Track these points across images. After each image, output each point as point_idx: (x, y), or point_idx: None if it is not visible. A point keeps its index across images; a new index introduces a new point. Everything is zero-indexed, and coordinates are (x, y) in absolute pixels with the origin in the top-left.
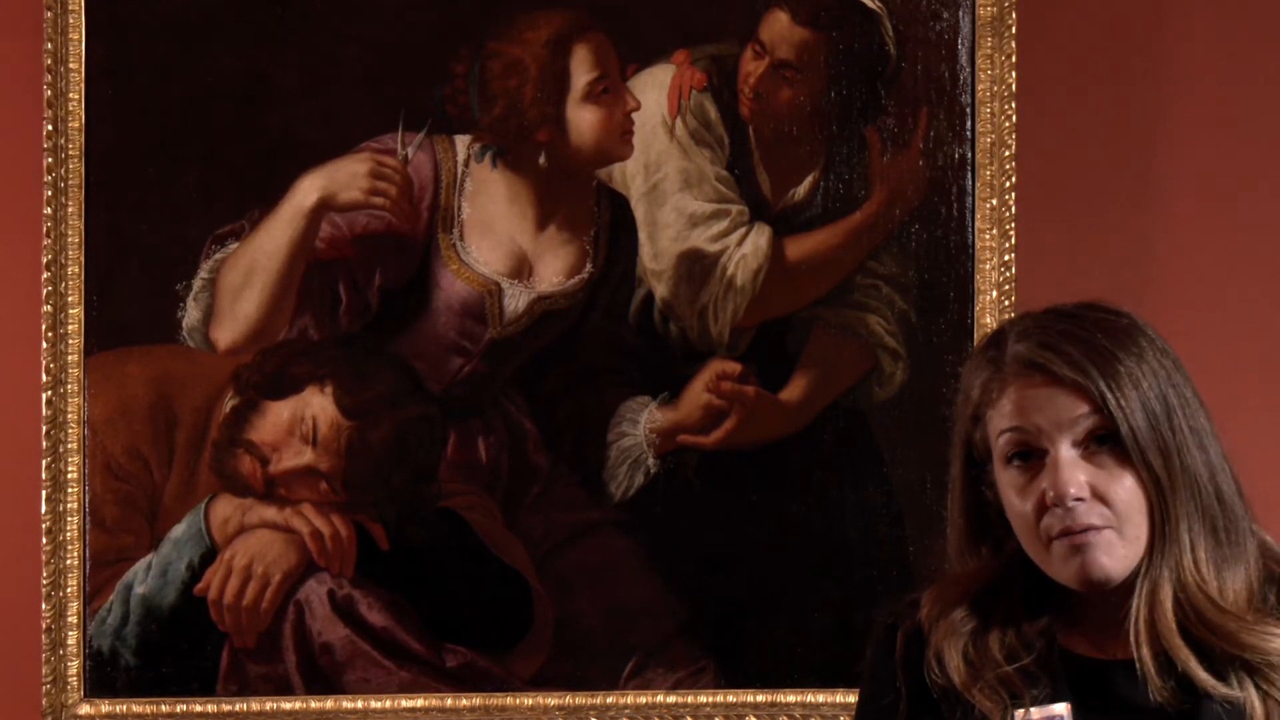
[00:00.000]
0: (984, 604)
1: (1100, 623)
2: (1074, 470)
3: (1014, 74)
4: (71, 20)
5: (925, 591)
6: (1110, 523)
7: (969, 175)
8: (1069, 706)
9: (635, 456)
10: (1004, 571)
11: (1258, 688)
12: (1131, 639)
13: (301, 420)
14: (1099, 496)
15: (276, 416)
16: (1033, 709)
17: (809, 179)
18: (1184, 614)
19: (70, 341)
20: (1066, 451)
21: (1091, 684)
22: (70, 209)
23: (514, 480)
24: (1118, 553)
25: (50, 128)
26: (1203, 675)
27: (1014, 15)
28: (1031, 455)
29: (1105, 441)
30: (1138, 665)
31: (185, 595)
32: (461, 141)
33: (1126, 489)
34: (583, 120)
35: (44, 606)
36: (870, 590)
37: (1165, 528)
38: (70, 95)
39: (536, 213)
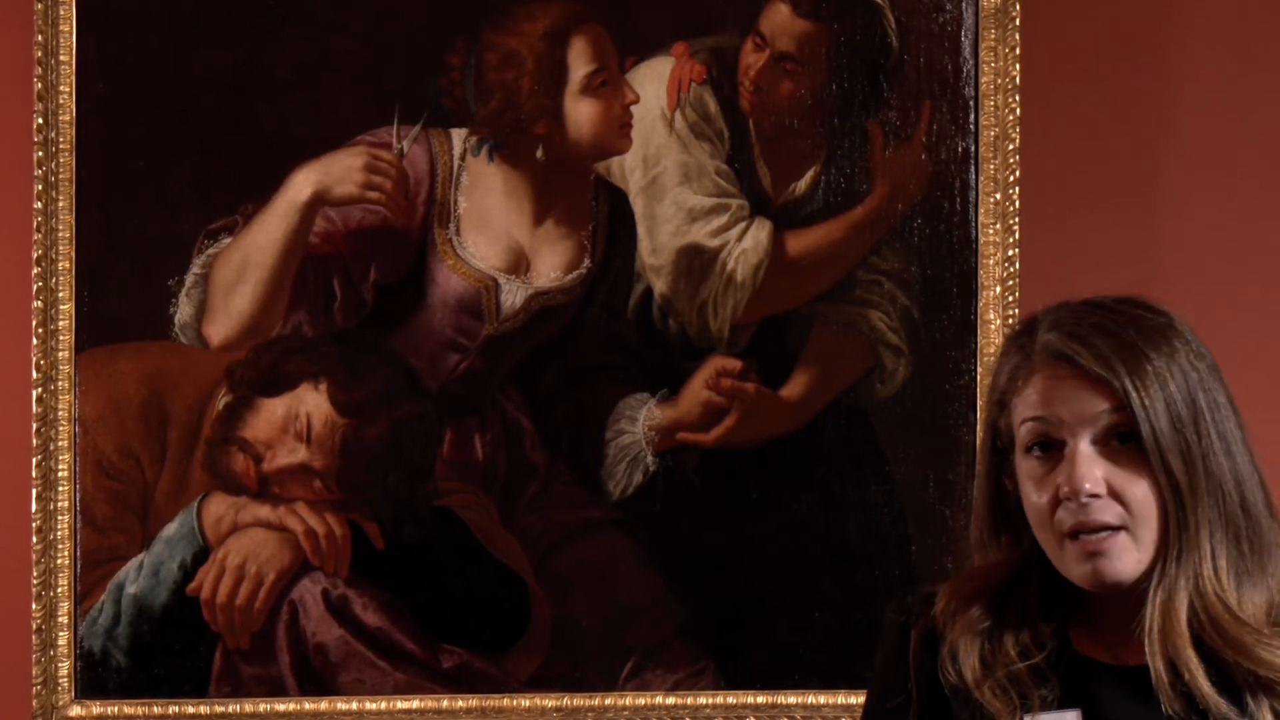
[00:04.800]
0: (1000, 601)
1: (1113, 627)
2: (1090, 465)
3: (1018, 67)
4: (62, 13)
5: (939, 587)
6: (1125, 523)
7: (972, 169)
8: (1079, 713)
9: (634, 454)
10: (1020, 568)
11: (1273, 710)
12: (1146, 649)
13: (295, 418)
14: (1115, 494)
15: (270, 414)
16: (1041, 714)
17: (810, 173)
18: (1199, 624)
19: (61, 338)
20: (1085, 446)
21: (1102, 689)
22: (61, 203)
23: (511, 479)
24: (1131, 557)
25: (41, 121)
26: (1207, 689)
27: (1017, 7)
28: (1051, 446)
29: (1128, 440)
30: (1152, 675)
31: (177, 595)
32: (458, 135)
33: (1142, 491)
34: (580, 113)
35: (34, 606)
36: (872, 590)
37: (1183, 535)
38: (61, 88)
39: (534, 207)
